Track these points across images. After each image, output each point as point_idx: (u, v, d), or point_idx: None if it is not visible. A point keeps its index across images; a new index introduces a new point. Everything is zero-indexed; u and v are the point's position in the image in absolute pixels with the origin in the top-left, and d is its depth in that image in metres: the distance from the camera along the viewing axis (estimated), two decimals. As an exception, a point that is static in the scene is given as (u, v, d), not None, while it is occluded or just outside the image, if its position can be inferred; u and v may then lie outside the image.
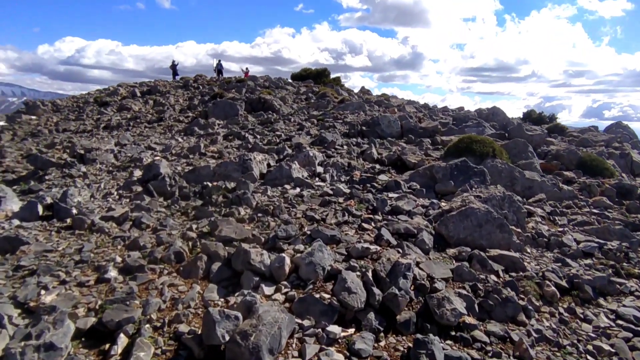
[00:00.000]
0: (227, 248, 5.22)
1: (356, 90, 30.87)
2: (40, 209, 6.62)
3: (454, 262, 5.37)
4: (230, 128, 12.79)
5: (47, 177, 8.92)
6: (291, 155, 9.55)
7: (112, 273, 4.62)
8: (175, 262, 5.07)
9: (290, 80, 35.21)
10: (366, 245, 5.24)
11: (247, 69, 38.98)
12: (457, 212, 6.05)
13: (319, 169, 8.88)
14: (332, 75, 45.80)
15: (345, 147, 10.79)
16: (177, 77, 36.70)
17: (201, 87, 29.07)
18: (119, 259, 4.99)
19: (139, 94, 28.71)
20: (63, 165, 9.50)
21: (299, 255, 4.90)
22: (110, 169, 9.22)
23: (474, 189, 7.32)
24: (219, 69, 37.22)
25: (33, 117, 26.10)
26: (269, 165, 9.03)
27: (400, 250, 5.27)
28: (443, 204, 7.03)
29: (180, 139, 11.91)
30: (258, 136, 11.69)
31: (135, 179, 8.19)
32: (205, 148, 10.38)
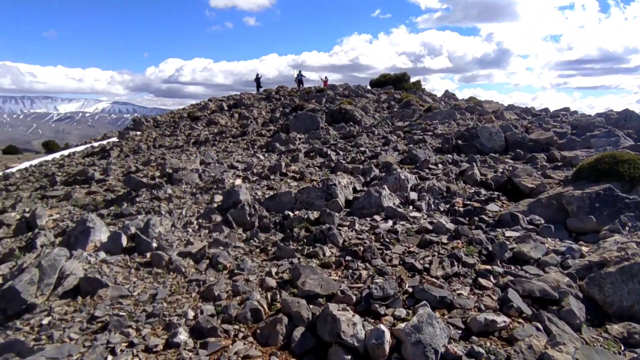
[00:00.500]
0: (311, 307, 4.32)
1: (439, 94, 28.66)
2: (124, 240, 6.45)
3: (621, 347, 3.79)
4: (311, 143, 12.08)
5: (138, 200, 9.02)
6: (379, 178, 8.45)
7: (182, 336, 3.97)
8: (252, 322, 4.29)
9: (369, 87, 34.06)
10: (490, 316, 3.93)
11: (325, 77, 38.81)
12: (617, 269, 4.40)
13: (413, 195, 7.63)
14: (412, 79, 43.71)
15: (440, 165, 9.37)
16: (261, 90, 37.86)
17: (282, 99, 29.39)
18: (191, 314, 4.36)
19: (226, 108, 29.96)
20: (152, 187, 9.60)
21: (401, 326, 3.78)
22: (194, 190, 9.02)
23: (627, 229, 5.49)
24: (300, 79, 37.56)
25: (138, 132, 28.68)
26: (354, 189, 8.04)
27: (540, 326, 3.86)
28: (585, 249, 5.35)
29: (261, 156, 11.47)
30: (341, 152, 10.80)
31: (215, 205, 7.79)
32: (287, 167, 9.76)
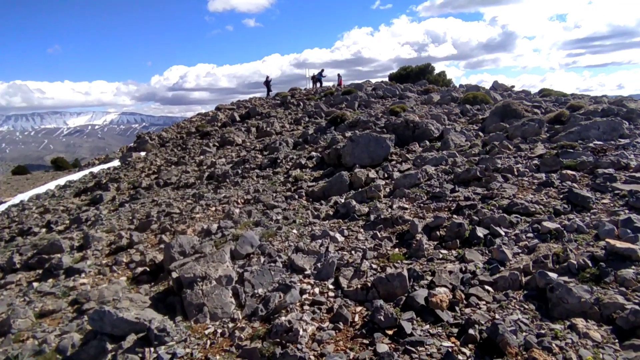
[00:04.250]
0: None
1: (487, 85, 23.50)
2: None
3: None
4: (408, 195, 6.79)
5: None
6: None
7: None
8: None
9: (390, 83, 28.94)
10: None
11: (339, 75, 33.97)
12: None
13: None
14: (436, 71, 38.56)
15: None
16: (272, 93, 33.11)
17: (302, 104, 24.60)
18: None
19: (238, 119, 25.19)
20: (140, 339, 5.00)
21: None
22: (229, 343, 4.22)
23: None
24: (318, 78, 32.65)
25: (142, 153, 24.16)
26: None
27: None
28: None
29: (337, 235, 5.80)
30: (507, 236, 5.46)
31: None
32: (430, 292, 4.48)
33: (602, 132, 7.75)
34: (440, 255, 4.82)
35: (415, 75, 36.67)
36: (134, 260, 7.49)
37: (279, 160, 12.36)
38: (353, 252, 5.32)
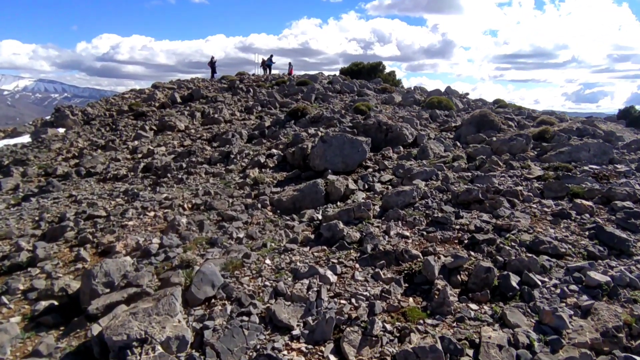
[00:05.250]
0: None
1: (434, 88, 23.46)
2: None
3: None
4: (404, 218, 5.52)
5: None
6: None
7: None
8: None
9: (362, 82, 27.93)
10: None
11: (290, 64, 32.34)
12: None
13: None
14: (387, 70, 38.54)
15: None
16: (217, 75, 30.40)
17: (252, 91, 22.56)
18: None
19: (179, 100, 22.42)
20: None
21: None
22: None
23: None
24: (268, 65, 30.61)
25: (61, 130, 20.33)
26: None
27: None
28: None
29: (324, 263, 4.62)
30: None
31: None
32: (459, 353, 3.34)
33: (592, 154, 7.28)
34: (472, 313, 3.69)
35: (367, 72, 36.18)
36: (35, 288, 5.39)
37: (232, 156, 10.56)
38: (354, 300, 3.98)
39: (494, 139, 8.70)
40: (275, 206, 7.13)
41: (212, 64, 31.51)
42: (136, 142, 14.39)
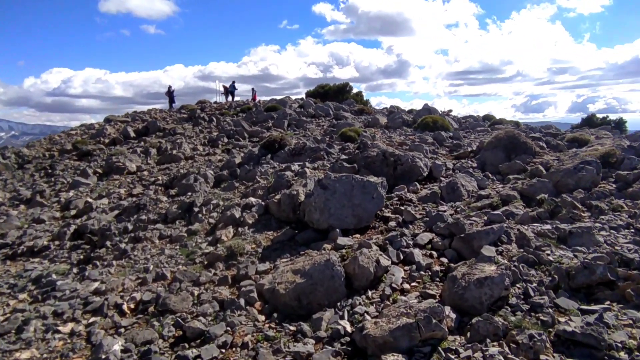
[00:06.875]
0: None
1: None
2: None
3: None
4: (514, 339, 2.91)
5: None
6: None
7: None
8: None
9: (311, 100, 25.63)
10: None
11: (253, 89, 30.05)
12: None
13: None
14: (354, 90, 37.21)
15: None
16: (175, 105, 27.40)
17: (215, 120, 19.79)
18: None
19: (133, 134, 19.20)
20: None
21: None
22: None
23: None
24: (231, 91, 28.06)
25: (-13, 176, 16.56)
26: None
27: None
28: None
29: None
30: None
31: None
32: None
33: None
34: None
35: (334, 94, 34.58)
36: None
37: (195, 209, 7.77)
38: None
39: (539, 166, 6.57)
40: (269, 302, 4.45)
41: (169, 93, 28.54)
42: (71, 193, 11.17)
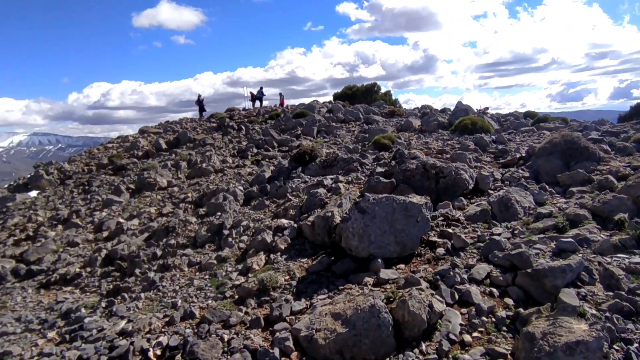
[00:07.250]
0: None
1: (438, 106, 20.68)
2: None
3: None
4: None
5: None
6: None
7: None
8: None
9: (339, 104, 24.93)
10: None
11: (280, 94, 29.74)
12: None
13: None
14: (382, 90, 36.16)
15: None
16: (206, 113, 27.59)
17: (244, 128, 19.61)
18: None
19: (164, 146, 19.40)
20: None
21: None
22: None
23: None
24: (259, 97, 27.90)
25: (33, 194, 17.14)
26: None
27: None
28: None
29: None
30: None
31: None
32: None
33: None
34: None
35: (362, 95, 33.81)
36: None
37: (225, 232, 7.39)
38: None
39: (609, 176, 5.62)
40: (307, 353, 3.91)
41: (199, 102, 28.82)
42: (104, 213, 11.19)
